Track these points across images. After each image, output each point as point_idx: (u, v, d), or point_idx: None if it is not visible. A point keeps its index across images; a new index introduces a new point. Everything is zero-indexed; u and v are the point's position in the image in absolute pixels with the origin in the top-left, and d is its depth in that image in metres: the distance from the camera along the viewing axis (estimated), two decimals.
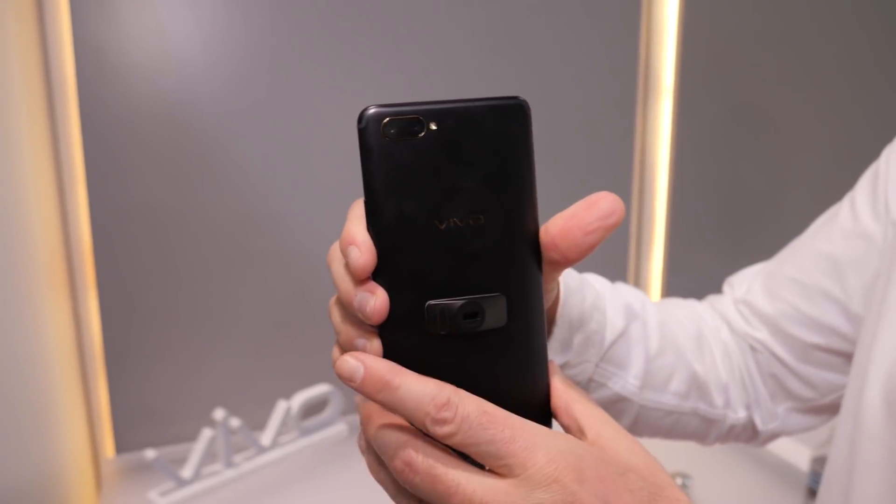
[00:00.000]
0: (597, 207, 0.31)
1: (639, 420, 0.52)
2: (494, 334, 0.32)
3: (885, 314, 0.46)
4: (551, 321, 0.43)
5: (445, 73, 1.21)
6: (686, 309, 0.59)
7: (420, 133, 0.30)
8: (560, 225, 0.31)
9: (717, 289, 0.65)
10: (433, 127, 0.30)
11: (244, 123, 1.11)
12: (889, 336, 0.45)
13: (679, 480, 1.03)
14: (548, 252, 0.32)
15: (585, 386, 0.48)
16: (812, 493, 0.94)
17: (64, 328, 1.06)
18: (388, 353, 0.32)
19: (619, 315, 0.48)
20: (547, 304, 0.36)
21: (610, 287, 0.50)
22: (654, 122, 1.40)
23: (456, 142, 0.30)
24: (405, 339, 0.32)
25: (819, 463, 0.94)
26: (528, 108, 0.31)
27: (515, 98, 0.31)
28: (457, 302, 0.32)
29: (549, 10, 1.25)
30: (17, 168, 0.91)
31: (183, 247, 1.11)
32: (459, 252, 0.31)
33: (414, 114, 0.30)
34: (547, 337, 0.41)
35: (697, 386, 0.53)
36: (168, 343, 1.13)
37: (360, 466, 1.18)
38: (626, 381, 0.49)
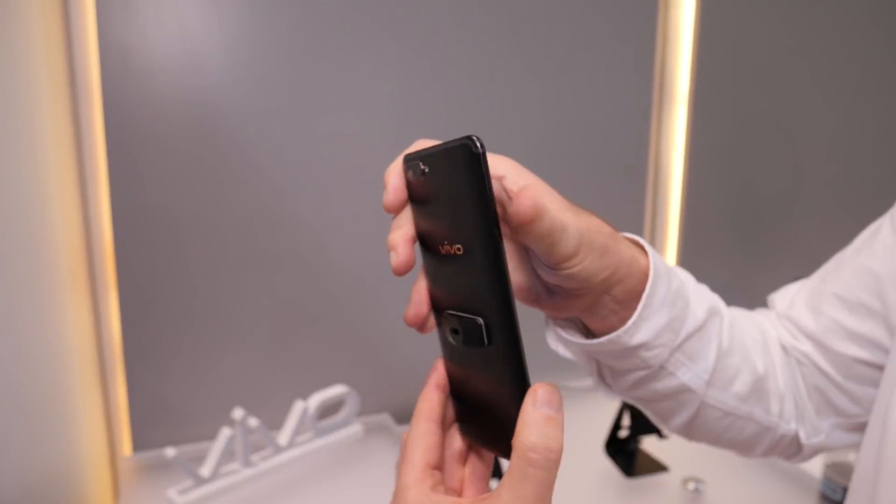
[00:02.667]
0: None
1: (698, 416, 0.52)
2: (481, 353, 0.35)
3: None
4: (636, 297, 0.44)
5: (463, 79, 1.22)
6: (749, 316, 0.59)
7: (423, 174, 0.36)
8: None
9: (730, 297, 0.64)
10: (426, 169, 0.35)
11: (263, 126, 1.12)
12: None
13: (692, 485, 1.04)
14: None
15: (656, 373, 0.48)
16: (825, 498, 0.95)
17: (84, 327, 1.07)
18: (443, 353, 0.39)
19: (701, 307, 0.48)
20: (605, 274, 0.41)
21: (694, 280, 0.51)
22: (668, 130, 1.41)
23: (436, 181, 0.35)
24: (443, 342, 0.38)
25: (832, 469, 0.95)
26: (475, 146, 0.32)
27: (465, 138, 0.33)
28: (449, 316, 0.36)
29: (565, 17, 1.26)
30: (41, 168, 0.92)
31: (202, 247, 1.12)
32: (456, 275, 0.35)
33: (416, 158, 0.36)
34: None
35: (757, 390, 0.53)
36: (187, 342, 1.14)
37: (374, 467, 1.18)
38: (696, 374, 0.49)
